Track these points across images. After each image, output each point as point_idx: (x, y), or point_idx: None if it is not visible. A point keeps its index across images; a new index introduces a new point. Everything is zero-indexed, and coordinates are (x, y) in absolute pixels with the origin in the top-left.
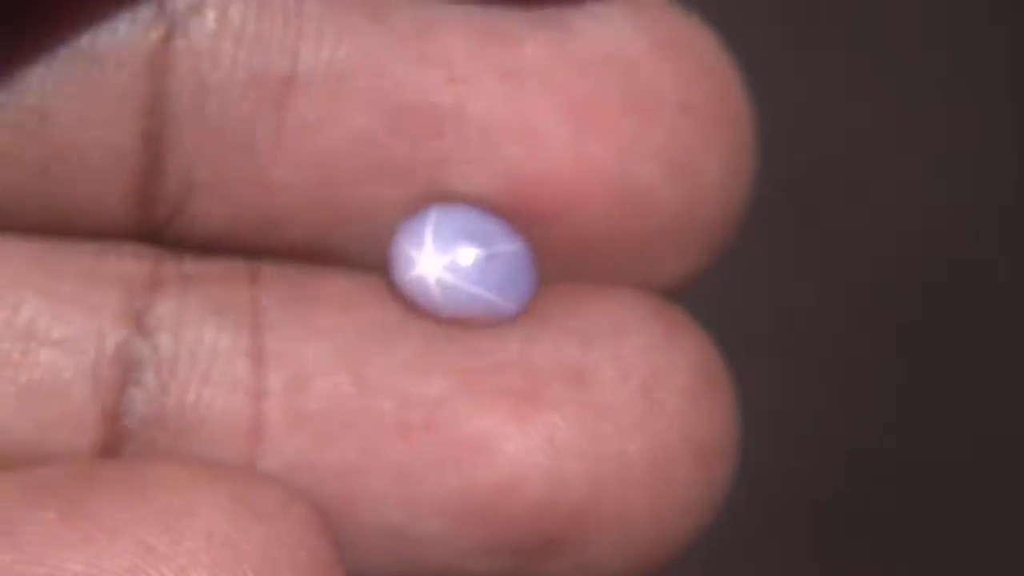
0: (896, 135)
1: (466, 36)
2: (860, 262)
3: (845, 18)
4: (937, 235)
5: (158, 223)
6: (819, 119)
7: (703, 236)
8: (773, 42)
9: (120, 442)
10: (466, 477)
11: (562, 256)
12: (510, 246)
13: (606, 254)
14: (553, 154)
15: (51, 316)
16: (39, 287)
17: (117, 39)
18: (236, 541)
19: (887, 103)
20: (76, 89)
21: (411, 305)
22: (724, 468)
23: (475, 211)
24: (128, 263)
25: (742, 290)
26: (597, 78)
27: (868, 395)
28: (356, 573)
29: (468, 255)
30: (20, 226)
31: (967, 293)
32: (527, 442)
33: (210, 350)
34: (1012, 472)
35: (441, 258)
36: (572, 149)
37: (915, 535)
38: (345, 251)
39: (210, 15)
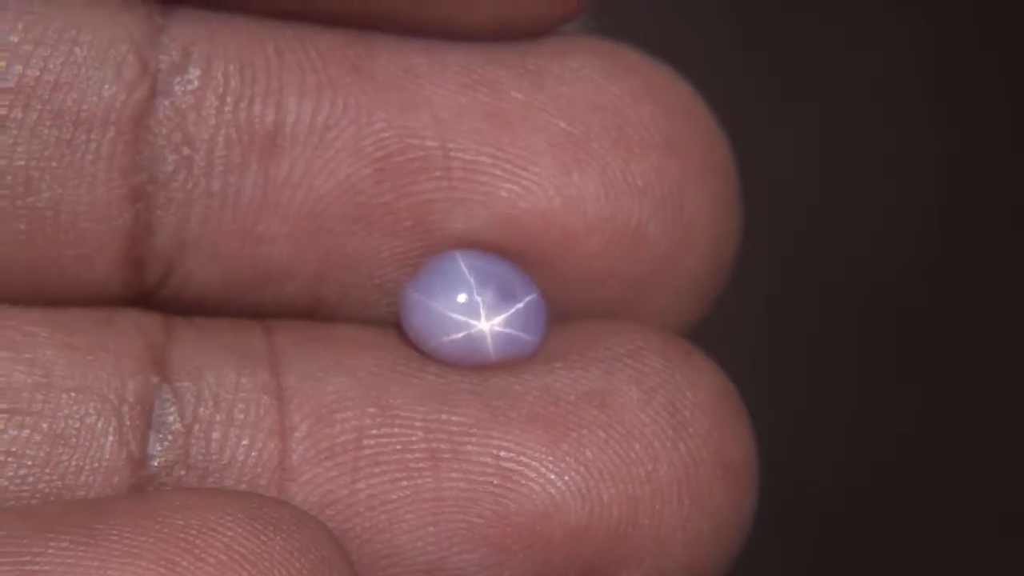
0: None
1: (449, 84)
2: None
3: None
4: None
5: (153, 284)
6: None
7: (696, 279)
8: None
9: (147, 485)
10: (502, 504)
11: (561, 296)
12: (532, 292)
13: (602, 295)
14: (542, 192)
15: (68, 365)
16: (53, 340)
17: (101, 100)
18: (258, 555)
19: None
20: (60, 152)
21: (428, 353)
22: (750, 489)
23: (486, 257)
24: (139, 318)
25: None
26: (581, 118)
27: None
28: None
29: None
30: (15, 294)
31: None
32: (561, 466)
33: (231, 390)
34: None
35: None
36: (561, 186)
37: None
38: (340, 304)
39: (193, 73)
